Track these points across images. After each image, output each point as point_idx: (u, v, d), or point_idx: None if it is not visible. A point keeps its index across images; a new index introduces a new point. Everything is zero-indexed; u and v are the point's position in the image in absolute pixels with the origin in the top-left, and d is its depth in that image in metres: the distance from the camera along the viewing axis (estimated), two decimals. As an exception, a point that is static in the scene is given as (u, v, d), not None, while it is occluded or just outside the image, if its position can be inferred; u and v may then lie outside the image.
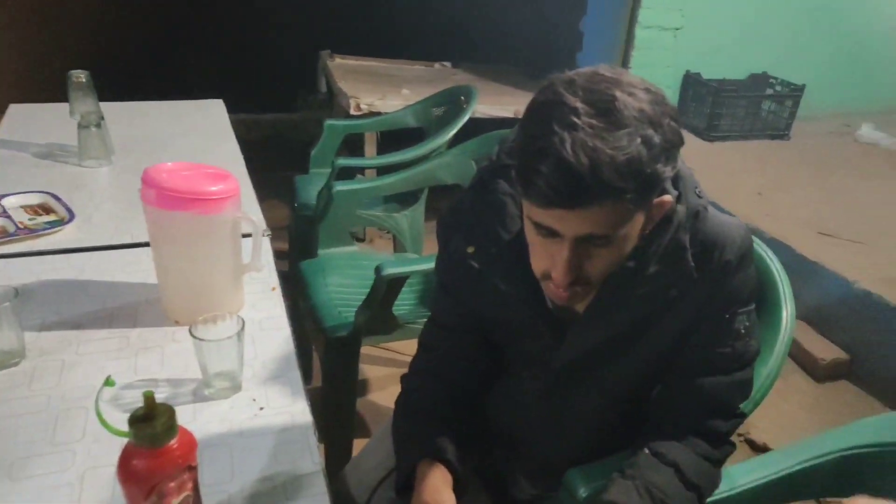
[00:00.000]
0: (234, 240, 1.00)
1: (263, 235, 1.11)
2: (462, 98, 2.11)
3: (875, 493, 0.68)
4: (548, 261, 0.74)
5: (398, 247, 2.13)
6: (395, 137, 2.32)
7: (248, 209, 1.27)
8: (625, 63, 3.06)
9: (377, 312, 1.40)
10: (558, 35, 3.42)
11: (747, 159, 3.09)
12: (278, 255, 1.23)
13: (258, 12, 3.56)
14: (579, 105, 0.64)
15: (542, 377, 0.88)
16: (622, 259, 0.74)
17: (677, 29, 3.12)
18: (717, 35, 3.28)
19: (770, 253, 1.02)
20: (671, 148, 0.67)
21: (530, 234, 0.75)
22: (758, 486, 0.89)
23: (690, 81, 3.33)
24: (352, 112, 2.60)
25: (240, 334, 0.84)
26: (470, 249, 0.85)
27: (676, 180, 0.76)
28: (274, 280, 1.13)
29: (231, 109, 2.05)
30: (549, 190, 0.65)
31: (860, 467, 0.85)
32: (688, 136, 3.32)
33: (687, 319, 0.81)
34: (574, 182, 0.63)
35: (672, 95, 3.31)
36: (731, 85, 3.30)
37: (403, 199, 1.96)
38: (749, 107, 3.33)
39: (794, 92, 3.31)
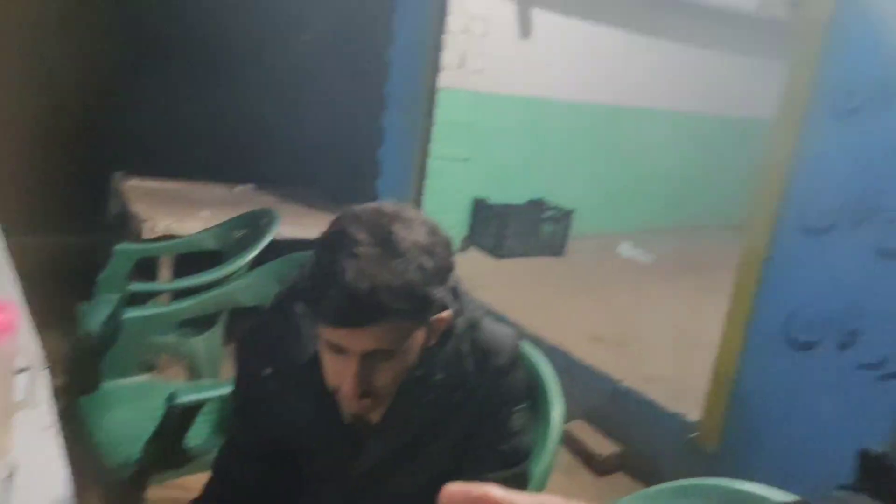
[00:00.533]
0: (5, 376, 0.93)
1: (40, 370, 1.04)
2: (264, 220, 2.15)
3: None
4: (340, 375, 0.81)
5: (194, 373, 2.05)
6: (192, 261, 2.28)
7: (24, 341, 1.18)
8: (419, 190, 3.31)
9: (167, 445, 1.33)
10: (358, 162, 3.63)
11: (530, 274, 3.44)
12: (56, 391, 1.15)
13: (46, 130, 3.37)
14: (362, 237, 0.75)
15: (341, 490, 0.92)
16: (406, 370, 0.84)
17: (465, 160, 3.48)
18: (501, 165, 3.70)
19: (541, 357, 1.17)
20: (443, 272, 0.80)
21: (324, 352, 0.82)
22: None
23: (479, 206, 3.67)
24: (145, 235, 2.52)
25: (6, 483, 0.78)
26: (267, 371, 0.89)
27: (456, 296, 0.88)
28: (50, 419, 1.06)
29: (8, 231, 1.90)
30: (335, 312, 0.76)
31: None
32: (479, 254, 3.67)
33: (471, 421, 0.91)
34: (356, 304, 0.74)
35: (464, 218, 3.63)
36: (513, 209, 3.71)
37: (200, 324, 1.91)
38: (530, 228, 3.73)
39: (566, 215, 3.79)
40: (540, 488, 1.05)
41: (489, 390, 0.91)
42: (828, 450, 1.63)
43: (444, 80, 3.23)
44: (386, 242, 0.76)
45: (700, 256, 3.94)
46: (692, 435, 2.09)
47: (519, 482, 0.95)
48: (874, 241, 1.65)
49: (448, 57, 3.22)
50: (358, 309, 0.75)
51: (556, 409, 1.11)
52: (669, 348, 2.64)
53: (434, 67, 3.20)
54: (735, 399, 2.01)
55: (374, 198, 3.39)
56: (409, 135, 3.34)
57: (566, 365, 2.33)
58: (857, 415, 1.71)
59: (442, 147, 3.35)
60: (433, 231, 0.81)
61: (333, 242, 0.78)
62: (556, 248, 3.81)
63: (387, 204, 0.83)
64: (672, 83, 4.29)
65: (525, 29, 3.56)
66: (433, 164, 3.33)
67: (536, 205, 3.89)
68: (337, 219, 0.82)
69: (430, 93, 3.23)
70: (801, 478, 1.73)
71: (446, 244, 0.82)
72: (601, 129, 4.08)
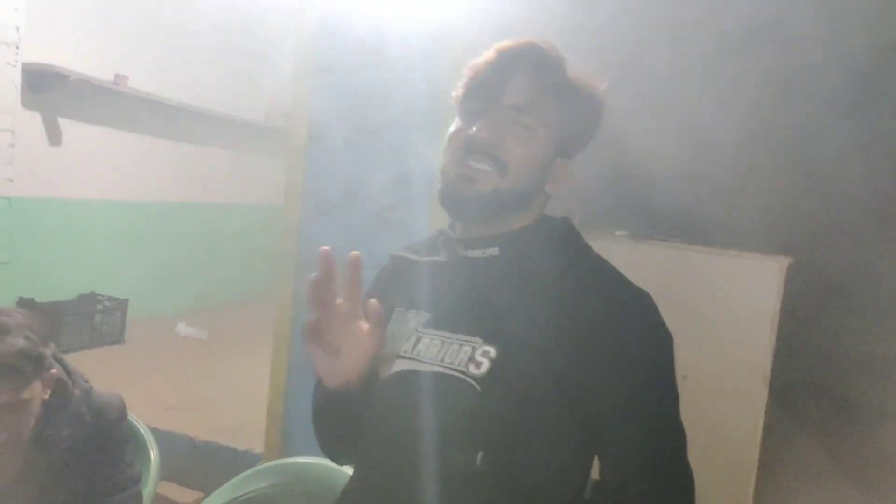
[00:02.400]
0: None
1: None
2: None
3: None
4: None
5: None
6: None
7: None
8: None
9: None
10: None
11: (89, 367, 3.53)
12: None
13: None
14: None
15: None
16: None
17: (6, 263, 3.42)
18: (47, 264, 3.72)
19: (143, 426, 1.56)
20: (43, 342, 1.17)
21: None
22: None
23: (26, 305, 3.61)
24: None
25: None
26: None
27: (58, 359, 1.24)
28: None
29: None
30: None
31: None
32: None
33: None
34: None
35: None
36: (64, 304, 3.75)
37: None
38: (83, 321, 3.82)
39: (120, 304, 4.00)
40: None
41: (105, 441, 1.29)
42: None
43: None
44: None
45: (246, 326, 4.53)
46: (260, 463, 2.63)
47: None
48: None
49: (-25, 165, 3.19)
50: None
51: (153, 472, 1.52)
52: (233, 402, 3.15)
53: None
54: (286, 428, 2.62)
55: None
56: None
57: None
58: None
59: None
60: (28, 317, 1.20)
61: None
62: (114, 336, 3.97)
63: None
64: (196, 179, 4.91)
65: (54, 138, 3.74)
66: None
67: (88, 298, 3.98)
68: None
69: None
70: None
71: (32, 324, 1.20)
72: (141, 221, 4.42)
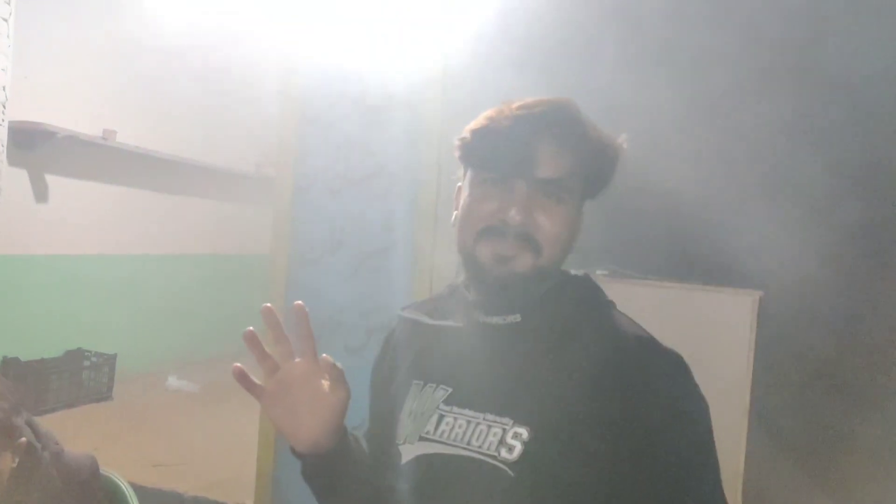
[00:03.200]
0: None
1: None
2: None
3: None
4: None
5: None
6: None
7: None
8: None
9: None
10: None
11: (79, 425, 3.51)
12: None
13: None
14: None
15: None
16: None
17: (-10, 322, 3.42)
18: (32, 321, 3.71)
19: (124, 483, 1.56)
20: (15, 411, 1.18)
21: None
22: None
23: (10, 364, 3.58)
24: None
25: None
26: None
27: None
28: None
29: None
30: None
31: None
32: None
33: None
34: None
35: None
36: (50, 362, 3.72)
37: None
38: (71, 379, 3.79)
39: (108, 360, 3.97)
40: None
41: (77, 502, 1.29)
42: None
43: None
44: None
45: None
46: (250, 518, 2.60)
47: None
48: (343, 343, 2.49)
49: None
50: None
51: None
52: (223, 456, 3.12)
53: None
54: (276, 482, 2.60)
55: None
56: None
57: (136, 493, 2.60)
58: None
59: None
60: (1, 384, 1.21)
61: None
62: (102, 393, 3.93)
63: None
64: (186, 230, 4.93)
65: (40, 194, 3.77)
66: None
67: (75, 354, 3.96)
68: None
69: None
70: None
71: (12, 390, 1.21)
72: (130, 274, 4.42)
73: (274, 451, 2.57)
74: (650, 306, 2.57)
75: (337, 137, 2.47)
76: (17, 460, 1.16)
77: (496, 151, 0.85)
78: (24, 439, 1.17)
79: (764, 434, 3.13)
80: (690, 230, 3.05)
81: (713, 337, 2.51)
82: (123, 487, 1.54)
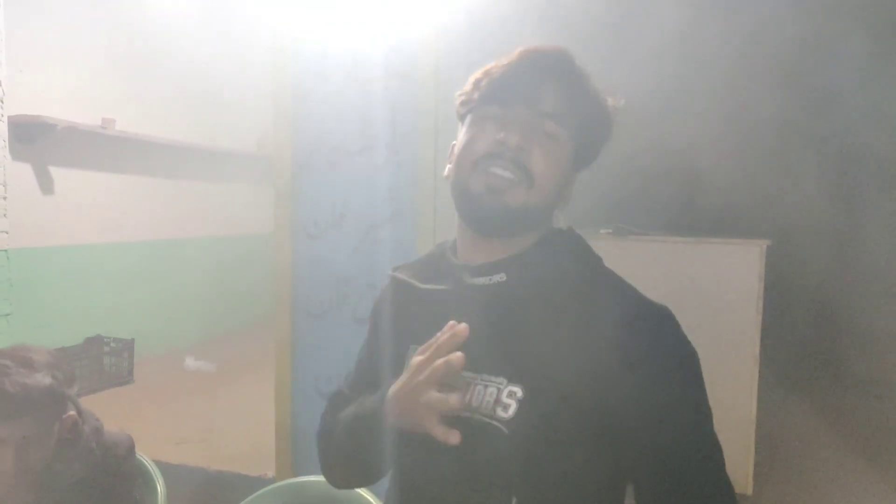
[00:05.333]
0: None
1: None
2: None
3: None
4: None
5: None
6: None
7: None
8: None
9: None
10: None
11: (103, 408, 3.57)
12: None
13: None
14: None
15: None
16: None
17: (7, 315, 3.47)
18: (49, 313, 3.77)
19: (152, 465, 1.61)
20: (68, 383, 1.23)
21: None
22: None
23: (31, 356, 3.66)
24: None
25: None
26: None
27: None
28: None
29: None
30: None
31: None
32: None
33: None
34: None
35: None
36: (72, 350, 3.80)
37: None
38: (92, 365, 3.87)
39: (127, 344, 4.04)
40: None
41: (114, 477, 1.34)
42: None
43: (-30, 242, 3.25)
44: (26, 362, 1.18)
45: (253, 353, 4.51)
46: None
47: None
48: (352, 314, 2.52)
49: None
50: None
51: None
52: (243, 431, 3.19)
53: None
54: (296, 449, 2.66)
55: None
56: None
57: (161, 469, 2.67)
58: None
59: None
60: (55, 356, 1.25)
61: None
62: (123, 377, 4.01)
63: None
64: (190, 214, 4.97)
65: (46, 187, 3.80)
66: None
67: (94, 341, 4.03)
68: None
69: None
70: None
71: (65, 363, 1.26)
72: (140, 261, 4.48)
73: (291, 421, 2.63)
74: (657, 262, 2.59)
75: (332, 111, 2.47)
76: (64, 430, 1.22)
77: (499, 87, 0.86)
78: (73, 412, 1.22)
79: (774, 380, 3.17)
80: (694, 185, 3.04)
81: (722, 288, 2.52)
82: (148, 466, 1.59)
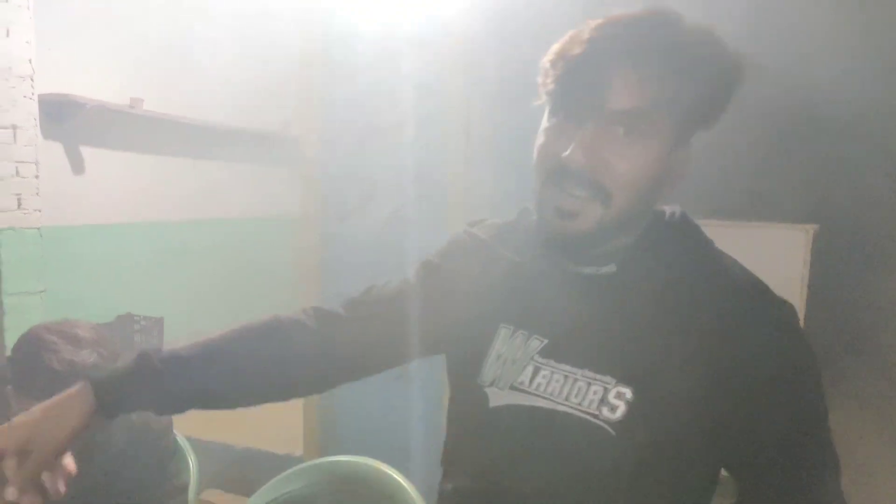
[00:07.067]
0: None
1: None
2: None
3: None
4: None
5: None
6: None
7: None
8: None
9: None
10: None
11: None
12: None
13: None
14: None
15: None
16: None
17: (41, 292, 3.52)
18: (80, 290, 3.82)
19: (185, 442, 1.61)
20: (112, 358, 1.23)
21: None
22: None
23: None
24: None
25: None
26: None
27: None
28: None
29: None
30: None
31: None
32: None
33: None
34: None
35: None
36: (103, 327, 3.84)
37: None
38: (123, 342, 3.92)
39: (156, 323, 4.09)
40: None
41: (152, 450, 1.34)
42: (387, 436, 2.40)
43: (4, 221, 3.30)
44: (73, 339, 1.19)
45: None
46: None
47: None
48: (379, 293, 2.50)
49: (3, 200, 3.30)
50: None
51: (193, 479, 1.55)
52: (271, 409, 3.20)
53: (-10, 211, 3.24)
54: (323, 429, 2.67)
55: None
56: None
57: (192, 445, 2.71)
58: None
59: (13, 284, 3.36)
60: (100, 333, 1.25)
61: (31, 344, 1.17)
62: (152, 355, 4.06)
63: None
64: (219, 195, 4.97)
65: (76, 166, 3.83)
66: (8, 301, 3.32)
67: (125, 319, 4.08)
68: (24, 335, 1.22)
69: (-9, 235, 3.25)
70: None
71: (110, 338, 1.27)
72: (169, 241, 4.51)
73: (318, 401, 2.64)
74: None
75: (361, 87, 2.43)
76: None
77: (563, 85, 0.75)
78: None
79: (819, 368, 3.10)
80: (741, 167, 2.96)
81: (766, 273, 2.45)
82: (180, 441, 1.60)
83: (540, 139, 0.79)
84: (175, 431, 1.58)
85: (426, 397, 2.45)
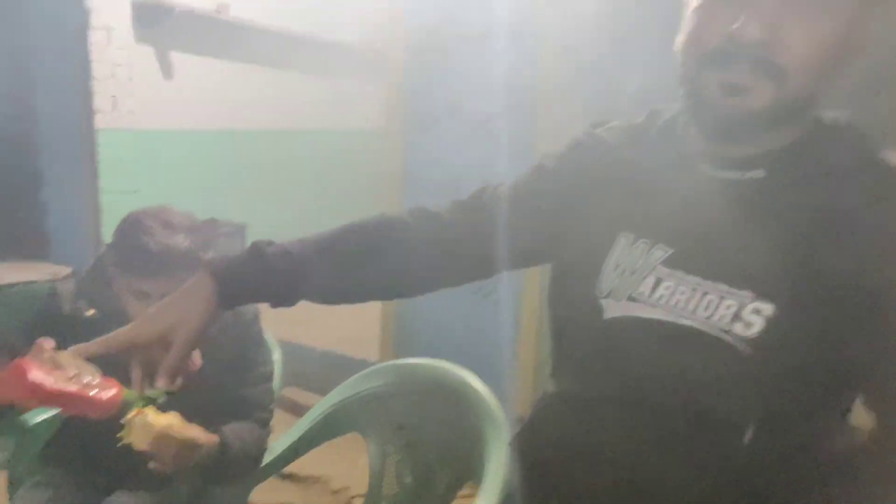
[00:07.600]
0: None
1: None
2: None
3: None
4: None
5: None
6: None
7: None
8: (96, 223, 3.46)
9: None
10: (16, 206, 3.57)
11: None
12: None
13: None
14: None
15: None
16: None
17: (135, 191, 3.67)
18: (168, 193, 3.92)
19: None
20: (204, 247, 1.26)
21: (129, 301, 1.21)
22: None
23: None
24: None
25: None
26: None
27: None
28: None
29: None
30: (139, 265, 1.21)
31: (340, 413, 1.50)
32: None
33: None
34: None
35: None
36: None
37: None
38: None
39: (239, 229, 4.23)
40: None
41: (241, 338, 1.39)
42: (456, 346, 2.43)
43: (100, 122, 3.42)
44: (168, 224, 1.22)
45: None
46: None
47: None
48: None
49: (99, 101, 3.41)
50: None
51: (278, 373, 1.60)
52: (350, 315, 3.27)
53: (88, 111, 3.36)
54: (398, 338, 2.73)
55: (43, 237, 3.43)
56: (73, 175, 3.44)
57: (278, 344, 2.85)
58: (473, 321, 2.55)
59: (110, 183, 3.52)
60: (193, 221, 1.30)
61: (131, 226, 1.23)
62: (236, 259, 4.22)
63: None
64: (302, 105, 4.97)
65: (167, 71, 3.90)
66: (105, 199, 3.49)
67: (210, 224, 4.21)
68: (124, 219, 1.27)
69: (89, 134, 3.38)
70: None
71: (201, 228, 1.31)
72: (251, 150, 4.59)
73: (395, 311, 2.69)
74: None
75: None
76: None
77: None
78: None
79: None
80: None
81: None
82: (267, 337, 1.65)
83: (691, 21, 0.69)
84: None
85: (503, 316, 2.45)
